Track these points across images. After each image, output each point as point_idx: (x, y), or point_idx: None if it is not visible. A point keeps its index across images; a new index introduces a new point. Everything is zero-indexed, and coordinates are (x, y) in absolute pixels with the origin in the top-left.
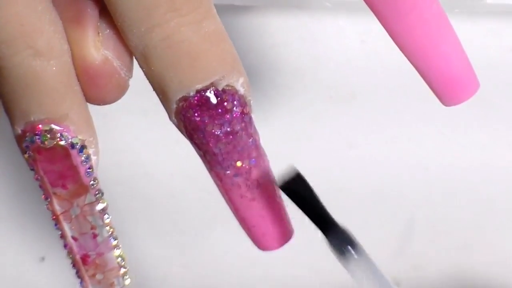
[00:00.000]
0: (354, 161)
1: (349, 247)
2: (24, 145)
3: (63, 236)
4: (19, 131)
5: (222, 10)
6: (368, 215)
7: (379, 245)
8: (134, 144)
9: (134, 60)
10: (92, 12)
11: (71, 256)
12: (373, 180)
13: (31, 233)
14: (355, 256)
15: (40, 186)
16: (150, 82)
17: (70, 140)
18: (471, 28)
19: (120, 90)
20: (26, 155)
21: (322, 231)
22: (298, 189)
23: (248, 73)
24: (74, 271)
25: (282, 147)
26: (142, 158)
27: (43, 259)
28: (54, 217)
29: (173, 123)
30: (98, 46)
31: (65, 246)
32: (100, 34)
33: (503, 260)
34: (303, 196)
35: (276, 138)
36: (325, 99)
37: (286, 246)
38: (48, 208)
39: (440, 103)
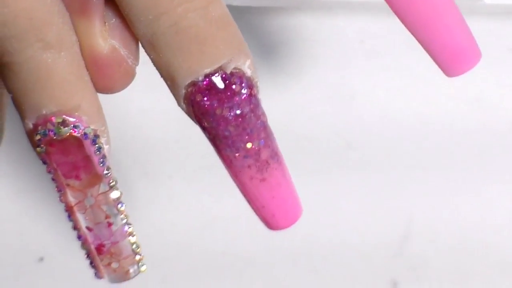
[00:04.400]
0: (353, 161)
1: None
2: (36, 138)
3: (77, 227)
4: (30, 125)
5: None
6: (368, 215)
7: (378, 246)
8: (134, 144)
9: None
10: (97, 2)
11: (85, 246)
12: (372, 181)
13: (30, 233)
14: None
15: (53, 179)
16: (158, 69)
17: (83, 130)
18: (470, 28)
19: (128, 78)
20: (38, 149)
21: None
22: None
23: None
24: (88, 261)
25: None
26: (141, 158)
27: (41, 259)
28: (67, 208)
29: (182, 108)
30: (105, 36)
31: (79, 237)
32: (106, 23)
33: (502, 261)
34: None
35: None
36: (325, 98)
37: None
38: (61, 200)
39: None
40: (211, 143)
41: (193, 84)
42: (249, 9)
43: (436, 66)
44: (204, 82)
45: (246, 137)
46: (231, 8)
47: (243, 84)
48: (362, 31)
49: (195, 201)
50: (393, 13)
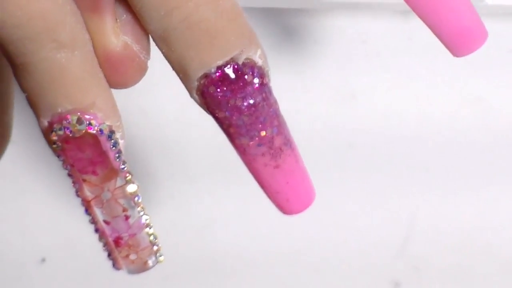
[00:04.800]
0: (355, 161)
1: None
2: (52, 136)
3: (94, 221)
4: (46, 123)
5: None
6: (369, 215)
7: (380, 246)
8: (135, 144)
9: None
10: None
11: (103, 239)
12: (373, 180)
13: (32, 234)
14: None
15: (69, 174)
16: (170, 62)
17: (98, 127)
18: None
19: (140, 72)
20: (55, 146)
21: None
22: None
23: None
24: (106, 254)
25: None
26: (142, 157)
27: (43, 260)
28: (85, 203)
29: (194, 100)
30: (117, 33)
31: (97, 230)
32: (117, 20)
33: (504, 261)
34: None
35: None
36: (326, 99)
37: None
38: (78, 195)
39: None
40: (224, 132)
41: (206, 76)
42: (250, 10)
43: (436, 67)
44: (217, 74)
45: (260, 125)
46: None
47: (255, 74)
48: (363, 32)
49: (196, 201)
50: (394, 13)
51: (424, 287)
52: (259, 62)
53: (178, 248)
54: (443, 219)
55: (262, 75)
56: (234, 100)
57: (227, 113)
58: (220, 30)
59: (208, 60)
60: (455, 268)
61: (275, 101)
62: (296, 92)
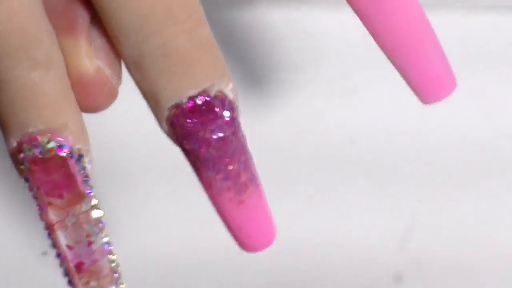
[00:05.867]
0: (356, 155)
1: None
2: (20, 157)
3: (56, 245)
4: (15, 144)
5: (223, 4)
6: (370, 209)
7: (382, 240)
8: (135, 140)
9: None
10: (83, 21)
11: (64, 264)
12: (375, 175)
13: (33, 227)
14: None
15: (34, 197)
16: (141, 90)
17: (69, 149)
18: (472, 22)
19: (111, 98)
20: (22, 167)
21: None
22: None
23: (250, 68)
24: (66, 279)
25: (284, 142)
26: (143, 152)
27: (45, 253)
28: (48, 226)
29: (163, 130)
30: (91, 56)
31: (59, 255)
32: (91, 44)
33: (506, 255)
34: None
35: (278, 133)
36: (327, 93)
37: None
38: (42, 219)
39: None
40: (191, 165)
41: (177, 106)
42: (251, 3)
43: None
44: (188, 104)
45: (227, 159)
46: (233, 1)
47: (226, 107)
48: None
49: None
50: None
51: (426, 280)
52: (231, 95)
53: (179, 244)
54: (445, 213)
55: (232, 109)
56: (203, 132)
57: (195, 145)
58: (195, 60)
59: (181, 90)
60: (457, 261)
61: (243, 136)
62: (297, 87)
